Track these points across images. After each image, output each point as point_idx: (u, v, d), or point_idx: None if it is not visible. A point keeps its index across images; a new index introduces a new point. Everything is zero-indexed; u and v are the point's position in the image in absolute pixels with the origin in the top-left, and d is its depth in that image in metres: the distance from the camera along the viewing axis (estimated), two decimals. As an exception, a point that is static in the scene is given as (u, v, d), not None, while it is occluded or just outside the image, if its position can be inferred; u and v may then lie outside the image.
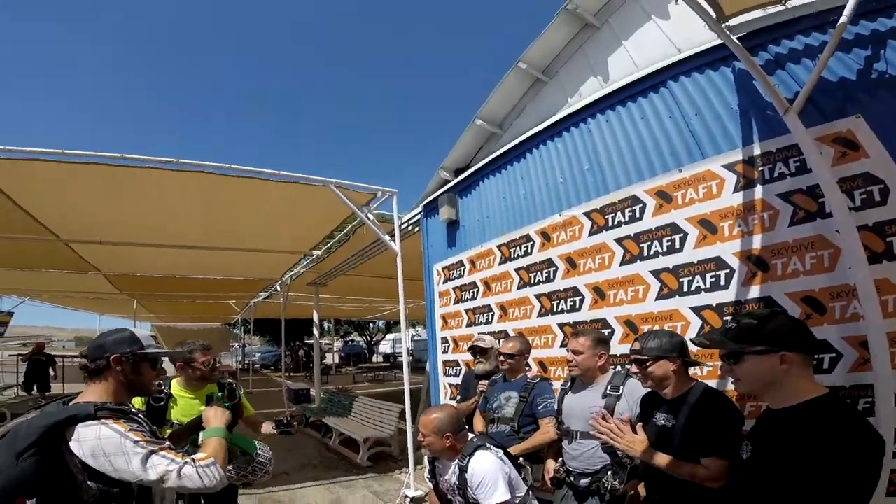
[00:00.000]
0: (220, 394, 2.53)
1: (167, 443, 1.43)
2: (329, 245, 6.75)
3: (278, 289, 9.98)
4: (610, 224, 2.92)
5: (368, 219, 4.54)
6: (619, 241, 2.86)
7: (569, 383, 2.65)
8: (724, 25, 2.06)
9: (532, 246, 3.45)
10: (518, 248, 3.58)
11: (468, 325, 4.13)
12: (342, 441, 6.56)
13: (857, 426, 1.21)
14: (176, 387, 2.74)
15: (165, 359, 2.09)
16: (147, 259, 6.87)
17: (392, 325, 33.67)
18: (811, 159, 1.97)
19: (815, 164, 1.95)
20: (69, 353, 20.63)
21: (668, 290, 2.61)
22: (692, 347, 1.98)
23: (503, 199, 3.81)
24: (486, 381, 3.15)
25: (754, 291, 2.27)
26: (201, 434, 1.70)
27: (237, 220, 5.30)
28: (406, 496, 4.32)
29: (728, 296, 2.36)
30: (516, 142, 3.67)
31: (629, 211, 2.82)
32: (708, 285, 2.44)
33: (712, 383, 2.21)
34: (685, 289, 2.53)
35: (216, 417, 1.81)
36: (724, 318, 2.35)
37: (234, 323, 21.32)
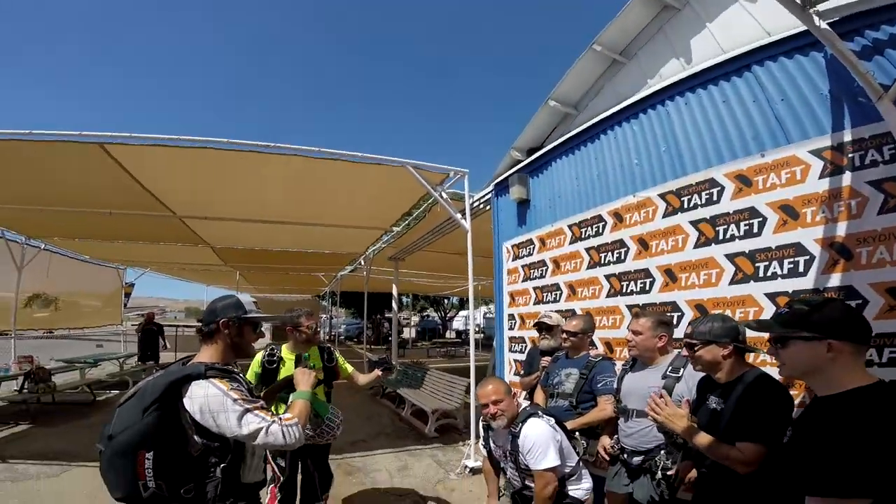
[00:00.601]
0: (305, 355, 2.81)
1: (261, 402, 1.55)
2: (407, 221, 7.05)
3: (362, 263, 10.63)
4: (685, 206, 2.91)
5: (442, 197, 4.76)
6: (694, 223, 2.86)
7: (630, 363, 2.71)
8: (811, 11, 1.99)
9: (604, 226, 3.49)
10: (589, 228, 3.63)
11: (535, 303, 4.24)
12: (413, 412, 6.91)
13: (881, 411, 1.18)
14: (285, 350, 3.03)
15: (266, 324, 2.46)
16: (248, 233, 7.65)
17: (465, 302, 34.27)
18: None
19: None
20: (180, 323, 23.36)
21: (743, 275, 2.60)
22: (752, 334, 1.99)
23: (575, 180, 3.86)
24: (549, 358, 3.25)
25: (835, 280, 2.23)
26: (292, 395, 1.84)
27: (325, 198, 5.75)
28: (466, 466, 4.58)
29: (806, 283, 2.32)
30: (591, 122, 3.69)
31: (706, 194, 2.81)
32: (785, 271, 2.41)
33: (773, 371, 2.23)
34: (761, 274, 2.51)
35: (304, 380, 1.91)
36: None
37: (323, 295, 22.51)
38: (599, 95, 3.83)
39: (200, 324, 1.71)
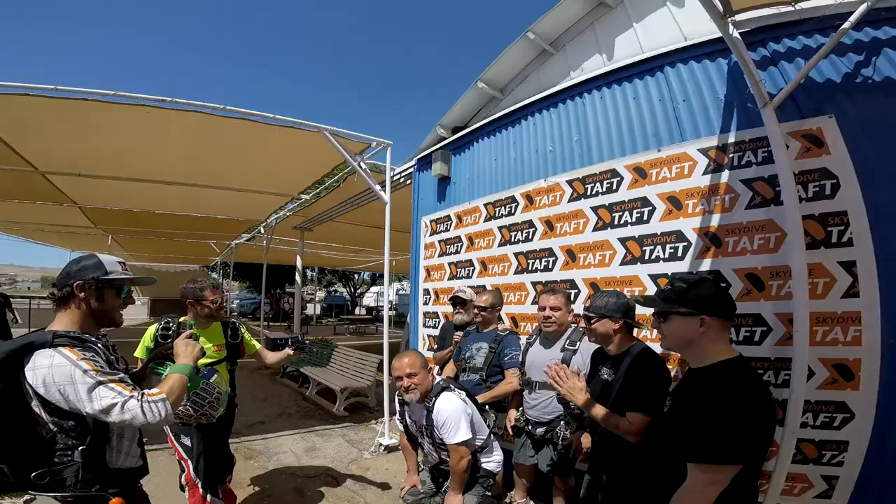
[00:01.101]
0: (222, 340, 2.65)
1: (119, 374, 1.40)
2: (318, 190, 6.79)
3: (262, 231, 9.87)
4: (588, 193, 3.18)
5: (361, 167, 4.69)
6: (594, 208, 3.13)
7: (533, 337, 2.91)
8: (729, 19, 2.20)
9: (516, 207, 3.70)
10: (503, 208, 3.82)
11: (450, 279, 4.38)
12: (320, 391, 6.70)
13: (755, 388, 1.37)
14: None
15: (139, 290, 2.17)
16: (127, 193, 6.73)
17: (377, 278, 33.49)
18: (776, 151, 2.20)
19: (778, 156, 2.19)
20: (34, 294, 20.14)
21: (632, 257, 2.89)
22: (640, 310, 2.24)
23: (494, 161, 4.03)
24: (461, 333, 3.37)
25: (706, 264, 2.56)
26: (169, 368, 1.65)
27: (228, 160, 5.33)
28: (381, 444, 4.57)
29: (683, 266, 2.65)
30: (514, 107, 3.86)
31: (607, 182, 3.08)
32: (667, 255, 2.73)
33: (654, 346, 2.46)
34: (646, 257, 2.82)
35: (185, 352, 1.70)
36: None
37: (213, 266, 20.68)
38: (525, 82, 4.02)
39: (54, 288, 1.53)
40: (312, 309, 22.66)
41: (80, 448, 1.38)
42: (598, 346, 2.35)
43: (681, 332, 1.50)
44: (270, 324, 19.15)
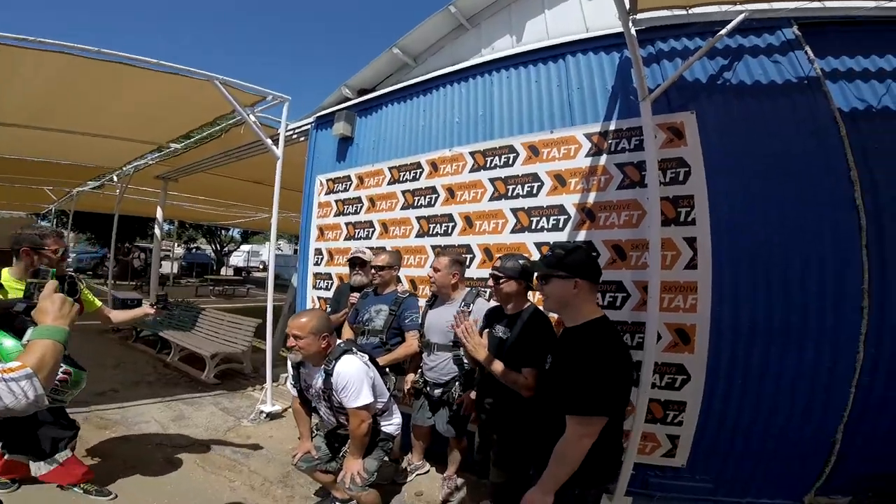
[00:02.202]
0: (50, 271, 2.07)
1: None
2: (194, 139, 6.26)
3: (115, 179, 8.82)
4: (488, 165, 3.47)
5: (251, 120, 4.48)
6: (492, 180, 3.43)
7: (431, 300, 3.06)
8: (631, 17, 2.49)
9: (421, 173, 3.88)
10: (408, 173, 3.98)
11: (346, 239, 4.45)
12: (183, 357, 6.17)
13: (612, 344, 1.58)
14: (7, 276, 2.41)
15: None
16: None
17: (249, 235, 31.24)
18: (647, 140, 2.61)
19: (648, 145, 2.60)
20: None
21: (521, 226, 3.24)
22: None
23: (403, 127, 4.17)
24: (357, 295, 3.39)
25: (581, 235, 2.98)
26: (28, 332, 1.28)
27: (88, 105, 4.81)
28: (262, 411, 4.40)
29: (562, 236, 3.06)
30: (427, 77, 4.01)
31: (505, 157, 3.39)
32: (550, 226, 3.12)
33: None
34: (533, 226, 3.19)
35: (57, 311, 1.27)
36: None
37: (46, 214, 17.49)
38: (439, 53, 4.20)
39: None
40: (169, 267, 20.30)
41: None
42: (493, 306, 2.59)
43: (558, 294, 1.70)
44: (117, 282, 16.86)
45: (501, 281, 2.39)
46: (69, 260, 20.48)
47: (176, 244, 24.45)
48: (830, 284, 2.48)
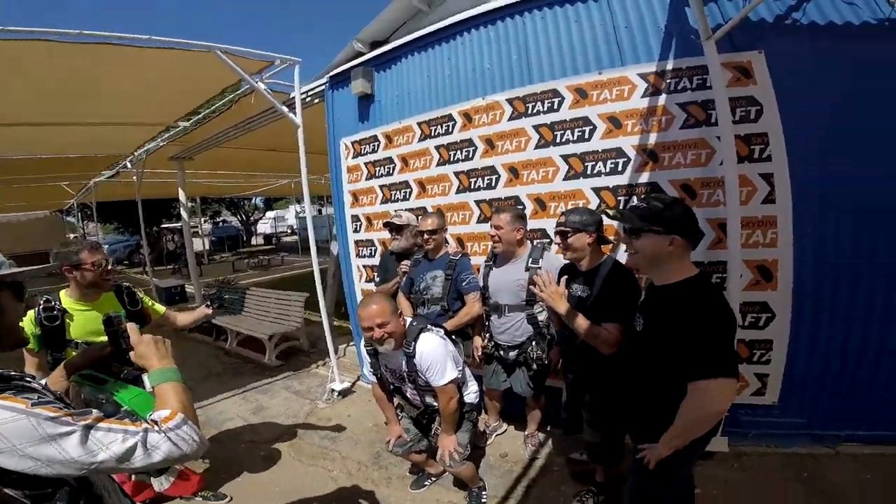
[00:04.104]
0: (122, 312, 2.04)
1: (94, 412, 1.01)
2: (203, 114, 6.07)
3: (128, 166, 8.82)
4: (529, 112, 3.31)
5: (261, 88, 4.29)
6: (536, 127, 3.29)
7: (492, 259, 2.97)
8: None
9: (453, 126, 3.72)
10: (439, 127, 3.83)
11: (383, 202, 4.35)
12: (241, 342, 6.16)
13: (720, 302, 1.53)
14: (66, 299, 2.36)
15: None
16: None
17: (273, 202, 31.87)
18: (714, 80, 2.52)
19: (717, 84, 2.51)
20: None
21: (574, 173, 3.15)
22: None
23: (427, 78, 3.96)
24: (408, 262, 3.30)
25: (644, 177, 2.91)
26: (145, 379, 1.25)
27: (81, 93, 4.59)
28: (333, 390, 4.45)
29: (622, 180, 2.98)
30: (448, 22, 3.74)
31: (548, 102, 3.22)
32: (608, 170, 3.03)
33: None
34: (589, 172, 3.10)
35: (156, 353, 1.28)
36: (618, 198, 2.98)
37: (69, 209, 17.75)
38: None
39: None
40: (201, 244, 20.84)
41: None
42: (565, 263, 2.50)
43: (651, 250, 1.61)
44: (155, 269, 17.54)
45: (569, 235, 2.28)
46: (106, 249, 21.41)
47: (203, 220, 25.02)
48: None
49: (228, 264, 16.69)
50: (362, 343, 2.59)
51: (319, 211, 25.35)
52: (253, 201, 29.27)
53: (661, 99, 2.86)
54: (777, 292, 2.68)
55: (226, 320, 6.42)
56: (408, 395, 2.62)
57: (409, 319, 2.43)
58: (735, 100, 2.63)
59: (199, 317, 2.82)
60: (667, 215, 1.59)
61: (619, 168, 3.03)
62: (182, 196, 9.17)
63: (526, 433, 3.35)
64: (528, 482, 2.99)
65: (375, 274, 4.16)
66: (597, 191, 3.12)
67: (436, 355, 2.29)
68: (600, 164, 3.09)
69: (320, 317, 4.66)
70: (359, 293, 4.80)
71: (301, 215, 23.64)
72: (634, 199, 3.00)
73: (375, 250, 4.54)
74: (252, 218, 30.48)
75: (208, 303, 2.73)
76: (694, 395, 1.50)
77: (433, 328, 2.43)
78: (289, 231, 31.25)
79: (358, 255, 4.77)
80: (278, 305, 6.25)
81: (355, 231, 4.73)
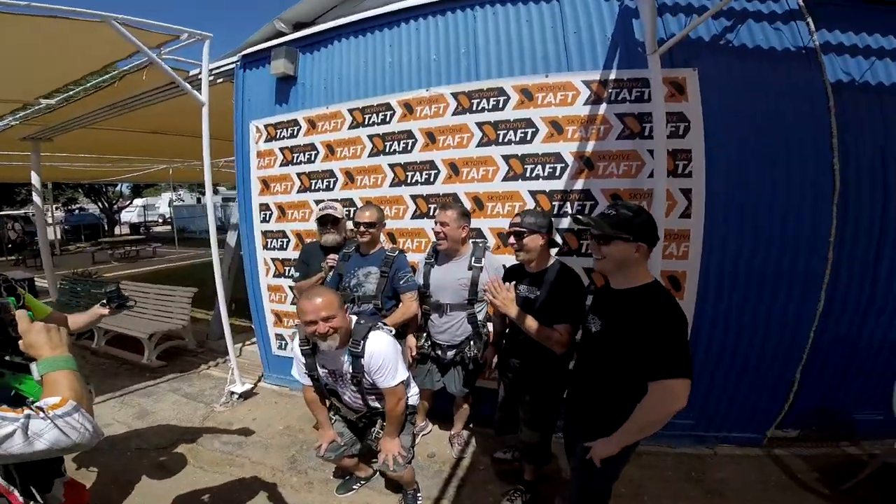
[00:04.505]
0: (11, 299, 1.75)
1: None
2: (72, 91, 5.28)
3: None
4: (474, 108, 3.26)
5: (163, 64, 3.82)
6: (479, 124, 3.25)
7: (433, 257, 2.87)
8: None
9: (392, 115, 3.56)
10: (375, 116, 3.63)
11: (301, 191, 4.03)
12: (110, 341, 5.51)
13: (678, 307, 1.59)
14: None
15: None
16: None
17: (142, 189, 28.42)
18: (655, 93, 2.64)
19: (657, 97, 2.64)
20: None
21: (514, 174, 3.16)
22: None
23: (364, 64, 3.74)
24: (336, 256, 3.08)
25: (579, 184, 3.00)
26: (34, 368, 1.19)
27: None
28: (233, 392, 4.03)
29: (559, 185, 3.04)
30: (392, 8, 3.58)
31: (494, 100, 3.20)
32: (546, 174, 3.07)
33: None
34: (528, 174, 3.12)
35: (52, 341, 1.22)
36: (553, 203, 3.05)
37: None
38: None
39: None
40: (52, 233, 17.83)
41: None
42: (513, 265, 2.50)
43: (619, 256, 1.65)
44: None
45: (524, 236, 2.25)
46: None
47: (55, 207, 21.40)
48: (804, 237, 2.80)
49: (87, 255, 14.69)
50: (297, 342, 2.36)
51: (199, 199, 23.15)
52: (118, 188, 25.80)
53: (602, 108, 2.96)
54: (683, 301, 2.87)
55: (90, 317, 5.47)
56: (345, 398, 2.44)
57: (353, 318, 2.26)
58: (668, 115, 2.78)
59: (93, 318, 2.37)
60: (636, 223, 1.64)
61: (557, 173, 3.09)
62: (35, 180, 7.79)
63: (452, 432, 3.27)
64: (458, 482, 2.91)
65: (290, 268, 3.86)
66: (533, 194, 3.16)
67: (387, 355, 2.17)
68: (539, 167, 3.13)
69: (207, 314, 4.13)
70: (264, 289, 4.41)
71: (177, 203, 21.46)
72: (568, 205, 3.09)
73: (288, 242, 4.20)
74: (116, 206, 26.72)
75: (104, 301, 2.34)
76: (656, 393, 1.55)
77: (383, 326, 2.31)
78: (160, 220, 28.28)
79: (266, 248, 4.36)
80: (158, 301, 5.63)
81: (264, 221, 4.33)
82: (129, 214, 27.06)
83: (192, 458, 3.16)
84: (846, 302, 2.87)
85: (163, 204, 29.78)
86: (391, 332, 2.31)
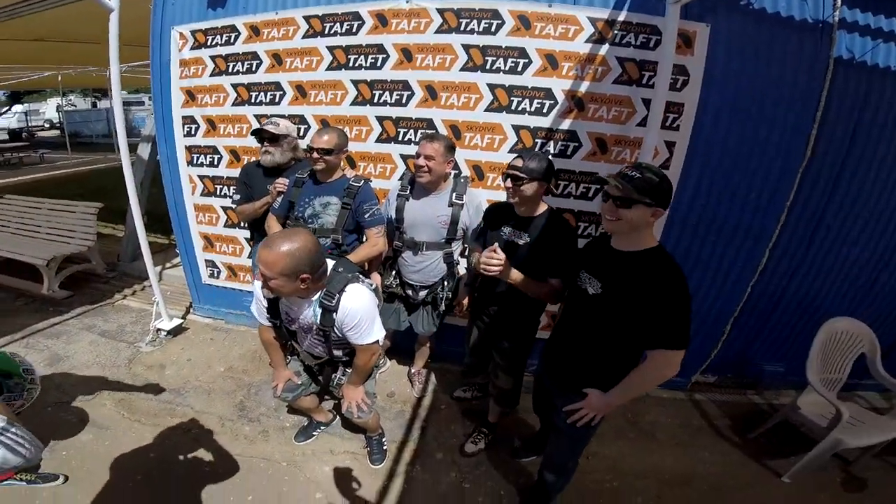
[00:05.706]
0: None
1: None
2: None
3: None
4: (462, 28, 2.89)
5: None
6: (466, 47, 2.89)
7: (408, 189, 2.54)
8: None
9: (360, 26, 3.04)
10: (339, 25, 3.08)
11: (237, 104, 3.39)
12: None
13: (682, 275, 1.53)
14: None
15: None
16: None
17: (21, 95, 23.97)
18: (667, 43, 2.50)
19: (668, 48, 2.50)
20: None
21: (498, 105, 2.89)
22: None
23: (326, -38, 3.06)
24: (284, 181, 2.64)
25: (565, 124, 2.83)
26: None
27: None
28: (160, 330, 3.46)
29: (545, 122, 2.85)
30: None
31: (486, 23, 2.85)
32: (532, 109, 2.85)
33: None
34: (513, 107, 2.88)
35: None
36: (536, 140, 2.87)
37: None
38: None
39: None
40: None
41: None
42: (495, 203, 2.28)
43: (637, 220, 1.55)
44: None
45: (524, 182, 1.94)
46: None
47: None
48: (765, 198, 2.87)
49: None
50: (258, 284, 1.95)
51: (94, 104, 20.37)
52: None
53: (604, 48, 2.75)
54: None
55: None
56: (305, 344, 2.12)
57: (330, 263, 1.89)
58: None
59: None
60: (663, 188, 1.55)
61: (545, 110, 2.88)
62: None
63: (413, 370, 3.13)
64: (421, 423, 2.78)
65: (222, 187, 3.38)
66: (517, 128, 2.93)
67: (365, 313, 1.88)
68: (527, 101, 2.89)
69: (116, 229, 3.41)
70: (190, 208, 3.79)
71: (67, 108, 18.45)
72: (552, 144, 2.92)
73: (220, 159, 3.59)
74: (-14, 112, 22.29)
75: None
76: (657, 361, 1.56)
77: (363, 279, 1.97)
78: (47, 126, 25.38)
79: (191, 163, 3.71)
80: (55, 217, 4.66)
81: (189, 135, 3.64)
82: (8, 120, 22.69)
83: (125, 410, 2.65)
84: (781, 261, 3.06)
85: (49, 109, 26.20)
86: (371, 285, 1.99)
